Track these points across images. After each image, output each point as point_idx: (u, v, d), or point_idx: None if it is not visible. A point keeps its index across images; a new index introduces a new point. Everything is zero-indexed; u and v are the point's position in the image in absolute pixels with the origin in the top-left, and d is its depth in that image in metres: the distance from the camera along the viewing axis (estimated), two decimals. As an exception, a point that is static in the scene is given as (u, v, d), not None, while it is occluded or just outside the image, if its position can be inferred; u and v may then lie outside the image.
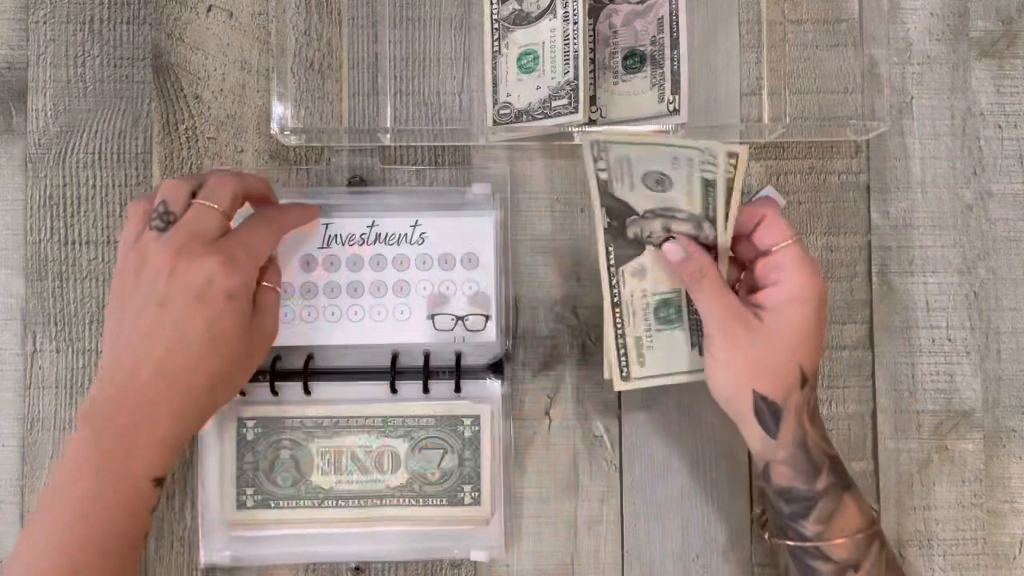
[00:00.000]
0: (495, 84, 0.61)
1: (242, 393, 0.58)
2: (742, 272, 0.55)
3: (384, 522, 0.59)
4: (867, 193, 0.63)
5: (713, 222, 0.52)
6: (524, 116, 0.60)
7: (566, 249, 0.62)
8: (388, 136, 0.61)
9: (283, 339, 0.58)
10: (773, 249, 0.51)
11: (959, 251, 0.63)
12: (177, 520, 0.60)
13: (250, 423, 0.59)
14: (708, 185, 0.50)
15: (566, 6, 0.58)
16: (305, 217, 0.58)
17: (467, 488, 0.59)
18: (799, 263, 0.51)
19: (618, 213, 0.53)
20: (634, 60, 0.61)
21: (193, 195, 0.52)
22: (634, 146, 0.50)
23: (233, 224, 0.54)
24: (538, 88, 0.59)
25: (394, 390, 0.59)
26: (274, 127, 0.60)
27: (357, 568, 0.60)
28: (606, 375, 0.56)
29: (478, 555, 0.59)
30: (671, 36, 0.61)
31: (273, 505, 0.59)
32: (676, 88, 0.61)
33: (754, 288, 0.53)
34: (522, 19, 0.60)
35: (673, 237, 0.53)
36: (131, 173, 0.62)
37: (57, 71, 0.62)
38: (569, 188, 0.62)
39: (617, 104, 0.61)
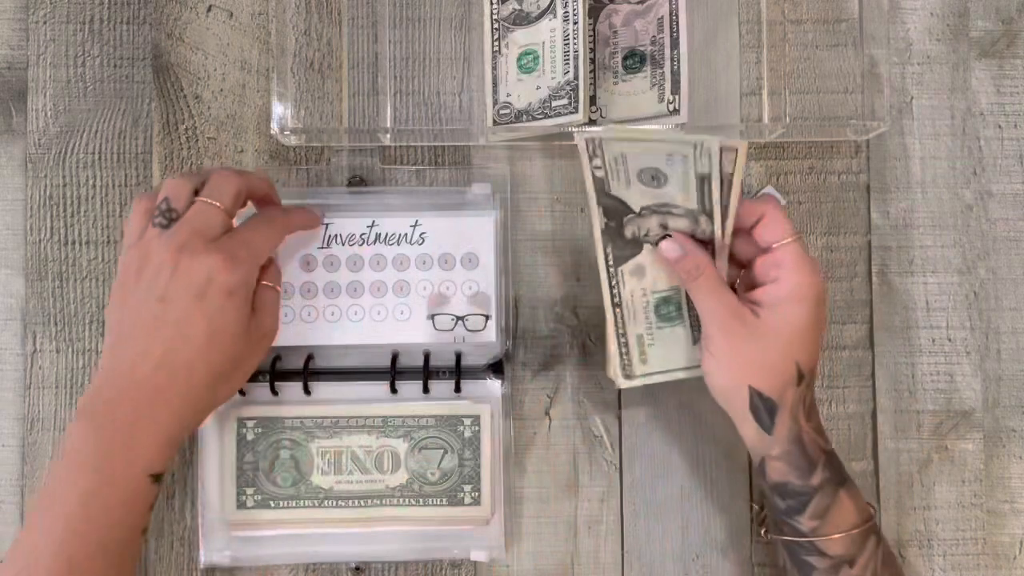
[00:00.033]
0: (495, 84, 0.61)
1: (242, 393, 0.58)
2: (741, 271, 0.55)
3: (384, 522, 0.59)
4: (867, 193, 0.63)
5: (710, 216, 0.52)
6: (524, 116, 0.60)
7: (566, 249, 0.62)
8: (388, 136, 0.61)
9: (283, 339, 0.58)
10: (773, 246, 0.51)
11: (959, 251, 0.63)
12: (177, 520, 0.60)
13: (250, 423, 0.59)
14: (703, 180, 0.50)
15: (566, 6, 0.58)
16: (308, 222, 0.58)
17: (467, 488, 0.59)
18: (798, 261, 0.51)
19: (615, 212, 0.53)
20: (634, 60, 0.61)
21: (196, 193, 0.52)
22: (629, 143, 0.50)
23: (235, 223, 0.54)
24: (538, 88, 0.59)
25: (394, 390, 0.59)
26: (274, 127, 0.60)
27: (357, 568, 0.60)
28: (609, 374, 0.56)
29: (478, 555, 0.59)
30: (671, 36, 0.61)
31: (273, 505, 0.59)
32: (676, 88, 0.61)
33: (753, 285, 0.53)
34: (522, 19, 0.60)
35: (670, 235, 0.53)
36: (131, 173, 0.62)
37: (57, 71, 0.62)
38: (569, 188, 0.62)
39: (617, 104, 0.61)
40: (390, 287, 0.59)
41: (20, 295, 0.61)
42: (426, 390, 0.59)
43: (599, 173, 0.51)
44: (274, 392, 0.58)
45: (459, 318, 0.59)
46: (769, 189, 0.62)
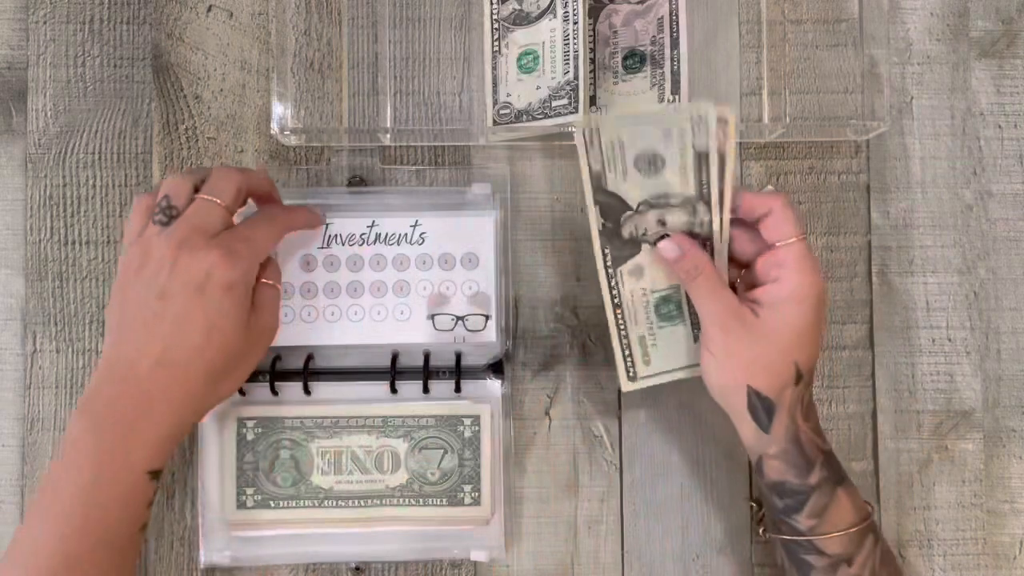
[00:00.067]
0: (495, 84, 0.61)
1: (242, 393, 0.58)
2: (742, 270, 0.55)
3: (384, 522, 0.59)
4: (867, 193, 0.63)
5: (708, 203, 0.52)
6: (524, 116, 0.60)
7: (566, 249, 0.62)
8: (388, 136, 0.61)
9: (283, 339, 0.58)
10: (777, 245, 0.51)
11: (959, 251, 0.63)
12: (177, 520, 0.60)
13: (250, 423, 0.59)
14: (701, 158, 0.50)
15: (566, 6, 0.58)
16: (309, 220, 0.58)
17: (467, 488, 0.59)
18: (801, 261, 0.51)
19: (612, 211, 0.52)
20: (634, 60, 0.61)
21: (196, 190, 0.52)
22: (626, 123, 0.50)
23: (235, 221, 0.54)
24: (538, 88, 0.59)
25: (394, 390, 0.59)
26: (274, 127, 0.60)
27: (357, 568, 0.60)
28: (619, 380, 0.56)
29: (478, 555, 0.59)
30: (671, 36, 0.61)
31: (273, 505, 0.59)
32: (676, 88, 0.61)
33: (753, 285, 0.53)
34: (522, 19, 0.60)
35: (667, 235, 0.53)
36: (131, 173, 0.62)
37: (57, 71, 0.62)
38: (569, 188, 0.62)
39: (617, 104, 0.61)
40: (390, 287, 0.59)
41: (20, 295, 0.61)
42: (426, 390, 0.59)
43: (596, 165, 0.51)
44: (274, 392, 0.58)
45: (459, 318, 0.59)
46: (769, 189, 0.62)
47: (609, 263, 0.54)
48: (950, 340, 0.62)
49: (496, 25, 0.61)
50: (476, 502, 0.59)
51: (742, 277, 0.55)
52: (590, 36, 0.61)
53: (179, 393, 0.50)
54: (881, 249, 0.63)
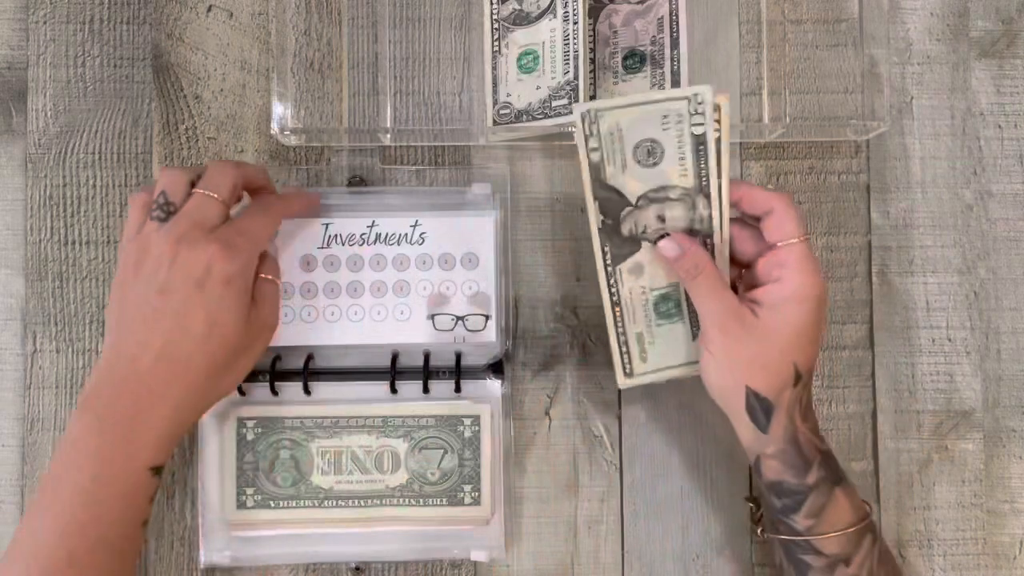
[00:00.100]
0: (495, 84, 0.61)
1: (242, 393, 0.58)
2: (742, 270, 0.55)
3: (384, 522, 0.59)
4: (867, 193, 0.63)
5: (707, 196, 0.52)
6: (524, 116, 0.60)
7: (566, 249, 0.62)
8: (388, 136, 0.61)
9: (283, 339, 0.58)
10: (779, 245, 0.51)
11: (959, 251, 0.63)
12: (177, 520, 0.60)
13: (250, 423, 0.59)
14: (700, 144, 0.50)
15: (566, 6, 0.58)
16: (305, 204, 0.58)
17: (467, 488, 0.59)
18: (802, 262, 0.51)
19: (611, 207, 0.52)
20: (634, 60, 0.61)
21: (192, 185, 0.52)
22: (624, 109, 0.50)
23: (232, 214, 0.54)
24: (538, 88, 0.59)
25: (394, 390, 0.59)
26: (274, 127, 0.60)
27: (357, 568, 0.60)
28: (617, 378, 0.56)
29: (478, 555, 0.59)
30: (671, 36, 0.61)
31: (273, 505, 0.59)
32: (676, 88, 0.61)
33: (753, 284, 0.53)
34: (522, 19, 0.60)
35: (668, 234, 0.53)
36: (131, 173, 0.62)
37: (57, 71, 0.62)
38: (569, 188, 0.62)
39: (614, 95, 0.61)
40: (390, 287, 0.59)
41: (20, 295, 0.61)
42: (426, 390, 0.59)
43: (595, 156, 0.51)
44: (274, 392, 0.58)
45: (459, 318, 0.59)
46: (769, 188, 0.62)
47: (609, 261, 0.54)
48: (950, 340, 0.62)
49: (496, 25, 0.61)
50: (476, 502, 0.59)
51: (742, 277, 0.55)
52: (590, 36, 0.61)
53: (180, 388, 0.50)
54: (881, 249, 0.63)
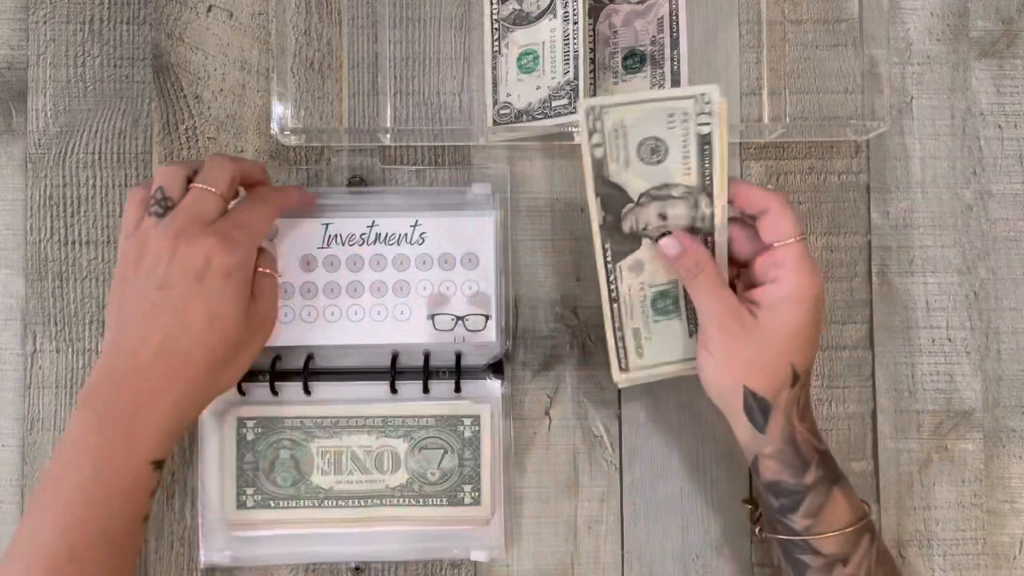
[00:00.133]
0: (495, 84, 0.61)
1: (242, 393, 0.58)
2: (739, 269, 0.55)
3: (384, 522, 0.59)
4: (867, 193, 0.63)
5: (710, 195, 0.52)
6: (524, 116, 0.60)
7: (566, 249, 0.62)
8: (388, 136, 0.61)
9: (283, 339, 0.58)
10: (775, 245, 0.51)
11: (959, 251, 0.63)
12: (177, 520, 0.60)
13: (250, 423, 0.59)
14: (704, 143, 0.50)
15: (566, 6, 0.58)
16: (300, 200, 0.58)
17: (467, 488, 0.59)
18: (799, 262, 0.51)
19: (613, 203, 0.52)
20: (634, 60, 0.61)
21: (189, 180, 0.52)
22: (630, 106, 0.50)
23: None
24: (538, 88, 0.59)
25: (394, 390, 0.59)
26: (274, 127, 0.60)
27: (357, 568, 0.60)
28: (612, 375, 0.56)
29: (478, 555, 0.59)
30: (671, 36, 0.61)
31: (273, 505, 0.59)
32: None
33: (752, 284, 0.53)
34: (522, 19, 0.60)
35: (669, 232, 0.53)
36: (131, 173, 0.62)
37: (57, 71, 0.62)
38: (569, 188, 0.62)
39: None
40: (390, 287, 0.59)
41: (20, 295, 0.61)
42: (426, 390, 0.59)
43: (599, 152, 0.51)
44: (274, 392, 0.58)
45: (459, 318, 0.59)
46: (769, 189, 0.62)
47: (609, 258, 0.54)
48: (950, 340, 0.62)
49: (496, 25, 0.61)
50: (476, 502, 0.59)
51: (740, 276, 0.55)
52: (590, 36, 0.61)
53: (181, 382, 0.50)
54: (881, 249, 0.63)
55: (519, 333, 0.62)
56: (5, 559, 0.48)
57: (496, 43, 0.61)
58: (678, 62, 0.61)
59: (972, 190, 0.63)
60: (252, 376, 0.58)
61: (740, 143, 0.63)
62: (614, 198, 0.52)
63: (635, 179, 0.52)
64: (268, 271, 0.55)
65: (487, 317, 0.59)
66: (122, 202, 0.61)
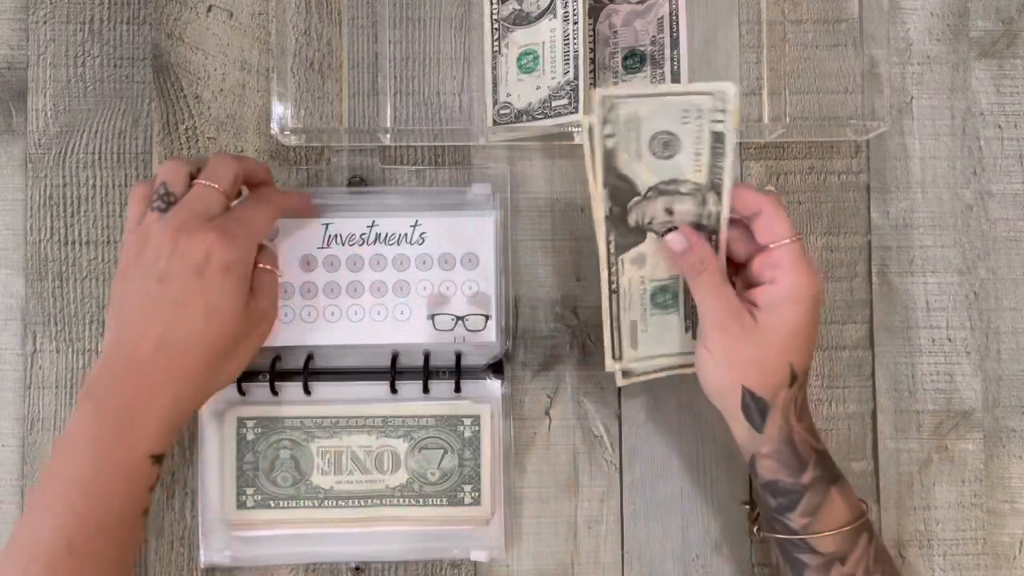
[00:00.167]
0: (495, 84, 0.61)
1: (242, 393, 0.58)
2: (738, 270, 0.55)
3: (384, 522, 0.59)
4: (867, 193, 0.63)
5: (719, 192, 0.52)
6: (524, 116, 0.60)
7: (566, 249, 0.62)
8: (388, 136, 0.61)
9: (283, 339, 0.58)
10: (771, 246, 0.51)
11: (959, 251, 0.63)
12: (177, 520, 0.60)
13: (250, 423, 0.59)
14: (717, 141, 0.50)
15: (566, 6, 0.58)
16: (302, 205, 0.58)
17: (467, 488, 0.59)
18: (796, 262, 0.51)
19: (620, 195, 0.52)
20: (634, 60, 0.61)
21: (192, 177, 0.53)
22: (645, 99, 0.50)
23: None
24: (538, 88, 0.59)
25: (394, 390, 0.59)
26: (274, 127, 0.60)
27: (357, 568, 0.60)
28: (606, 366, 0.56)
29: (478, 555, 0.59)
30: (671, 36, 0.61)
31: (273, 505, 0.59)
32: (676, 88, 0.61)
33: (750, 284, 0.53)
34: (522, 19, 0.60)
35: (675, 227, 0.53)
36: (131, 173, 0.62)
37: (57, 71, 0.62)
38: (569, 188, 0.62)
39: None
40: (390, 287, 0.59)
41: (20, 295, 0.61)
42: (426, 390, 0.59)
43: (610, 143, 0.51)
44: (274, 392, 0.58)
45: (459, 318, 0.59)
46: (769, 189, 0.62)
47: (612, 250, 0.54)
48: (950, 340, 0.62)
49: (496, 25, 0.61)
50: (476, 502, 0.59)
51: (738, 277, 0.55)
52: (590, 36, 0.61)
53: (180, 376, 0.50)
54: (881, 249, 0.63)
55: (519, 333, 0.62)
56: (5, 554, 0.48)
57: (496, 43, 0.61)
58: (678, 62, 0.61)
59: (972, 190, 0.63)
60: (252, 376, 0.58)
61: (740, 143, 0.63)
62: (621, 190, 0.52)
63: (645, 172, 0.52)
64: (268, 267, 0.55)
65: (487, 317, 0.59)
66: (122, 202, 0.61)
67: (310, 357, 0.59)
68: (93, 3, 0.62)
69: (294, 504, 0.59)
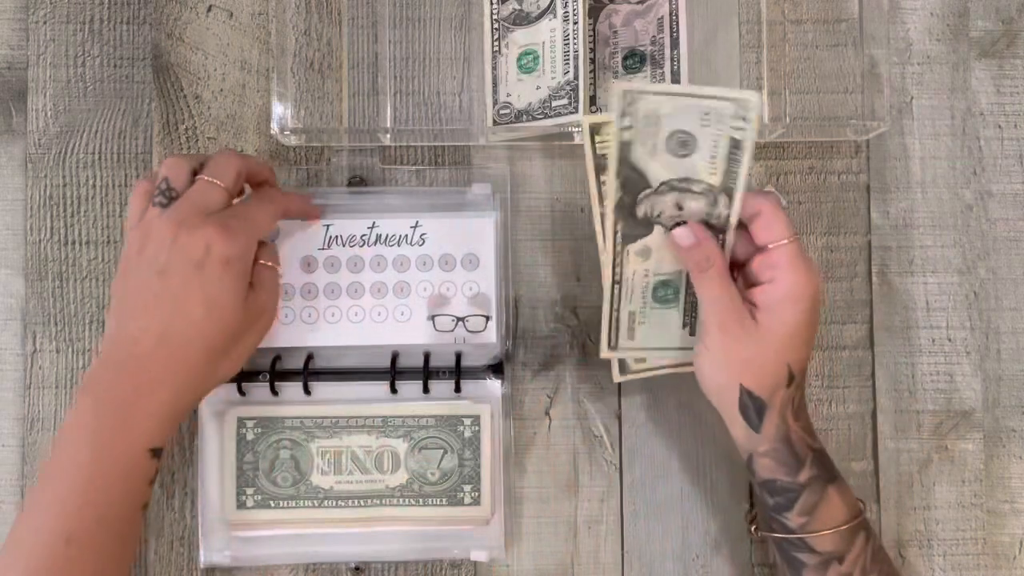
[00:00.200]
0: (495, 84, 0.61)
1: (242, 393, 0.58)
2: (737, 271, 0.55)
3: (384, 522, 0.59)
4: (867, 193, 0.63)
5: (730, 196, 0.52)
6: (524, 116, 0.60)
7: (566, 249, 0.62)
8: (388, 136, 0.61)
9: (283, 340, 0.58)
10: (770, 246, 0.51)
11: (959, 251, 0.63)
12: (177, 520, 0.60)
13: (250, 423, 0.59)
14: (734, 147, 0.50)
15: (566, 6, 0.58)
16: (304, 208, 0.58)
17: (467, 488, 0.59)
18: (795, 262, 0.51)
19: (632, 186, 0.51)
20: (634, 60, 0.61)
21: (194, 173, 0.53)
22: (667, 97, 0.50)
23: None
24: (538, 88, 0.59)
25: (394, 390, 0.59)
26: (274, 127, 0.60)
27: (357, 568, 0.60)
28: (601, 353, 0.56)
29: (478, 555, 0.59)
30: (671, 36, 0.61)
31: (273, 505, 0.59)
32: (676, 88, 0.61)
33: (749, 283, 0.53)
34: (522, 19, 0.60)
35: (683, 222, 0.53)
36: (131, 173, 0.62)
37: (57, 71, 0.62)
38: (569, 188, 0.62)
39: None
40: (390, 288, 0.59)
41: (20, 295, 0.61)
42: (426, 390, 0.59)
43: (627, 136, 0.50)
44: (274, 392, 0.58)
45: (459, 319, 0.59)
46: (769, 189, 0.62)
47: (618, 240, 0.53)
48: (950, 340, 0.62)
49: (496, 25, 0.61)
50: (476, 502, 0.59)
51: (737, 278, 0.55)
52: (590, 36, 0.61)
53: (180, 370, 0.51)
54: (881, 249, 0.63)
55: (519, 333, 0.62)
56: (5, 546, 0.48)
57: (496, 43, 0.61)
58: (678, 62, 0.61)
59: (972, 190, 0.63)
60: (252, 376, 0.58)
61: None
62: (633, 181, 0.52)
63: (659, 168, 0.51)
64: (269, 263, 0.55)
65: (487, 318, 0.59)
66: (122, 202, 0.61)
67: (310, 357, 0.59)
68: (93, 3, 0.62)
69: (294, 504, 0.59)
